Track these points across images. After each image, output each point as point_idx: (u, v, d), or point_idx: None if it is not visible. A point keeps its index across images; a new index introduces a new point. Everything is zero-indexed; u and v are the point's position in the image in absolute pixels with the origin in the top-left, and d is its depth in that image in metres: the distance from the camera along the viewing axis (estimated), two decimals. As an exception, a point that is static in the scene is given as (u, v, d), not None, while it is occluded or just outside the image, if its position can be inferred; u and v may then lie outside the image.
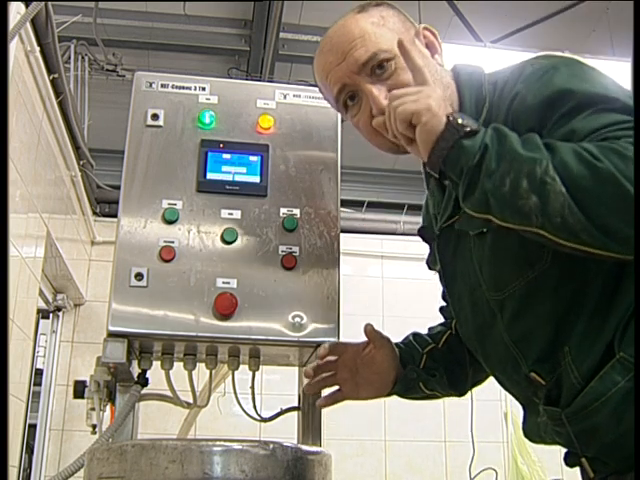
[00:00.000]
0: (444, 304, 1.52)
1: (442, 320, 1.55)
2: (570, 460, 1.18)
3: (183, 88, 1.53)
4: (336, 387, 1.41)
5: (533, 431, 1.22)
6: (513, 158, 0.96)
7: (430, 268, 1.39)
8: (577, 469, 1.19)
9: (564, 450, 1.20)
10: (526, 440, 1.29)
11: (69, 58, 3.56)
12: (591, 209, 0.91)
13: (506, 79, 1.18)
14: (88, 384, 1.58)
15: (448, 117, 1.03)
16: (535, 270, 1.11)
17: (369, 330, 1.38)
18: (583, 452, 1.11)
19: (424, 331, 1.53)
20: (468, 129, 1.01)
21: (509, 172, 0.96)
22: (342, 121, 1.56)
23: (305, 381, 1.56)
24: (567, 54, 1.15)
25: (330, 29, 1.26)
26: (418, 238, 1.43)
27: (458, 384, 1.43)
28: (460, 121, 1.02)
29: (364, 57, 1.19)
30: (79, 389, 1.64)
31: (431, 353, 1.43)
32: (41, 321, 3.93)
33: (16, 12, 2.22)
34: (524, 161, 0.95)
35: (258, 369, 1.50)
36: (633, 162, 0.90)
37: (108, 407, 1.56)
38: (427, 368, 1.41)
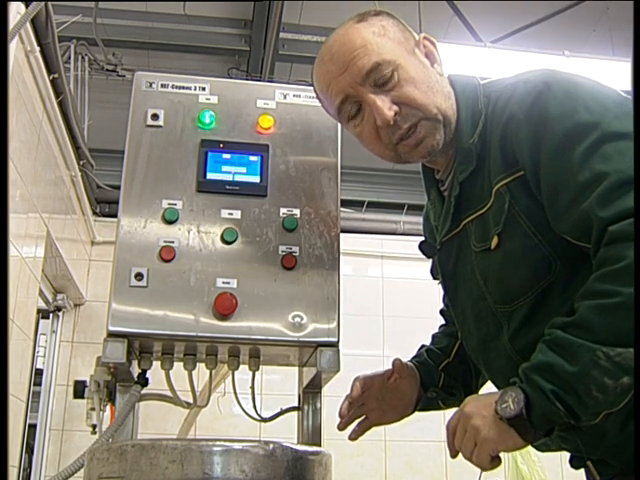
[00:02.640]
0: (444, 307, 1.53)
1: (442, 322, 1.56)
2: (576, 463, 1.18)
3: (183, 88, 1.52)
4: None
5: None
6: (577, 379, 0.95)
7: (434, 278, 1.40)
8: (579, 470, 1.19)
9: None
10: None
11: (69, 58, 3.56)
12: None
13: (499, 94, 1.19)
14: (88, 384, 1.58)
15: (499, 415, 1.00)
16: (544, 283, 1.12)
17: (398, 365, 1.44)
18: (589, 455, 1.11)
19: (428, 338, 1.55)
20: (517, 403, 0.99)
21: (588, 388, 0.95)
22: (342, 121, 1.56)
23: (305, 382, 1.57)
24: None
25: (329, 38, 1.24)
26: (418, 238, 1.44)
27: (471, 394, 1.45)
28: (507, 406, 1.00)
29: (367, 67, 1.17)
30: (79, 389, 1.64)
31: (446, 369, 1.48)
32: (41, 321, 3.92)
33: (16, 12, 2.22)
34: (584, 374, 0.95)
35: (258, 369, 1.50)
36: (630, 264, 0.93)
37: (108, 407, 1.56)
38: (445, 387, 1.46)
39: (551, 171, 1.06)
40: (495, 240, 1.15)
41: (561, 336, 0.98)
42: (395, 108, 1.17)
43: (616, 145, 1.01)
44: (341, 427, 1.45)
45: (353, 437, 1.46)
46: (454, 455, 1.09)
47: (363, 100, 1.19)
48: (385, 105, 1.17)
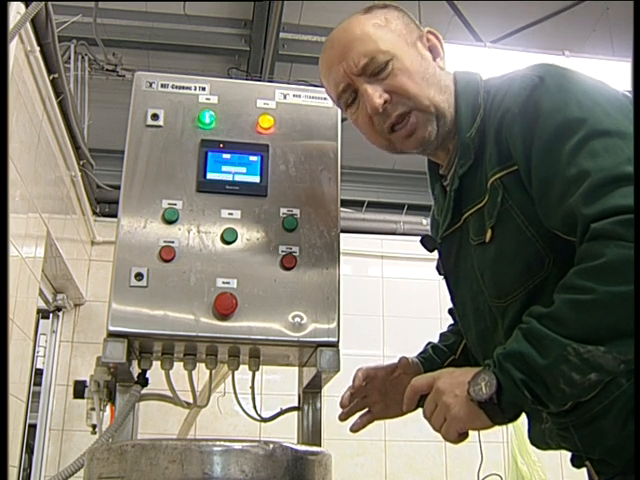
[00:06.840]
0: (453, 306, 1.53)
1: (449, 321, 1.57)
2: (576, 462, 1.18)
3: (183, 88, 1.53)
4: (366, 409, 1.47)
5: (539, 438, 1.23)
6: (546, 372, 0.97)
7: (440, 273, 1.41)
8: (580, 470, 1.19)
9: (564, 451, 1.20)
10: (527, 440, 1.29)
11: (69, 58, 3.56)
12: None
13: (497, 88, 1.21)
14: (88, 384, 1.58)
15: (471, 397, 1.03)
16: (537, 279, 1.12)
17: (404, 362, 1.45)
18: (588, 455, 1.12)
19: (428, 337, 1.55)
20: (490, 387, 1.01)
21: (557, 381, 0.97)
22: (342, 121, 1.56)
23: (305, 382, 1.57)
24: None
25: (335, 28, 1.28)
26: (418, 238, 1.44)
27: None
28: (480, 389, 1.02)
29: (362, 58, 1.21)
30: (79, 389, 1.64)
31: (451, 366, 1.46)
32: (41, 321, 3.92)
33: (16, 12, 2.22)
34: (553, 368, 0.96)
35: (258, 369, 1.50)
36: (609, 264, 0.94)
37: (108, 407, 1.56)
38: None
39: (541, 166, 1.07)
40: (489, 233, 1.16)
41: (536, 327, 0.99)
42: (385, 96, 1.21)
43: (604, 142, 1.01)
44: (342, 418, 1.45)
45: (355, 429, 1.46)
46: (407, 408, 1.17)
47: (357, 89, 1.24)
48: (375, 93, 1.21)
